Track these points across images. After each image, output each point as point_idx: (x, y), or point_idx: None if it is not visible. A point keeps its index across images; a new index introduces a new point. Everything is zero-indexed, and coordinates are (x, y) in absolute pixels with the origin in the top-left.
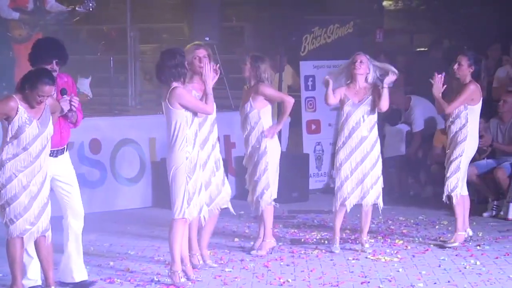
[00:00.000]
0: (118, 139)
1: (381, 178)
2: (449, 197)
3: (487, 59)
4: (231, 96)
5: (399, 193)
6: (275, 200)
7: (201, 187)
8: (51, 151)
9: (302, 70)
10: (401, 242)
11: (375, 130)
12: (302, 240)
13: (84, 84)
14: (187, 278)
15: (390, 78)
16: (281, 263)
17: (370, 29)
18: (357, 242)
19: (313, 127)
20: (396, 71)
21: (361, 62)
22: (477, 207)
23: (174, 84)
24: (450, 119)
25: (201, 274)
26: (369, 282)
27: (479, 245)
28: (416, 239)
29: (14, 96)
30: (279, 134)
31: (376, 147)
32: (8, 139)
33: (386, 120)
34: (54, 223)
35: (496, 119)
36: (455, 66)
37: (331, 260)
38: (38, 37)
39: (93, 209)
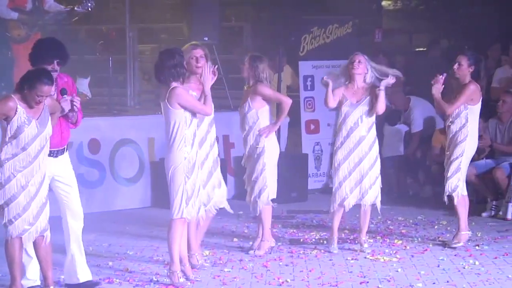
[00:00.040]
0: (117, 139)
1: (380, 178)
2: (450, 197)
3: (487, 59)
4: (230, 96)
5: (398, 193)
6: (274, 200)
7: (199, 187)
8: (51, 151)
9: (301, 70)
10: (400, 242)
11: (373, 130)
12: (301, 240)
13: (83, 84)
14: (186, 278)
15: (388, 81)
16: (280, 263)
17: (369, 29)
18: (356, 242)
19: (312, 127)
20: (397, 73)
21: (359, 62)
22: (476, 207)
23: (173, 84)
24: (450, 119)
25: (200, 274)
26: (368, 282)
27: (478, 245)
28: (415, 239)
29: (13, 96)
30: (278, 134)
31: (374, 147)
32: (7, 139)
33: (385, 120)
34: (54, 223)
35: (495, 119)
36: (455, 66)
37: (330, 260)
38: (37, 37)
39: (92, 209)
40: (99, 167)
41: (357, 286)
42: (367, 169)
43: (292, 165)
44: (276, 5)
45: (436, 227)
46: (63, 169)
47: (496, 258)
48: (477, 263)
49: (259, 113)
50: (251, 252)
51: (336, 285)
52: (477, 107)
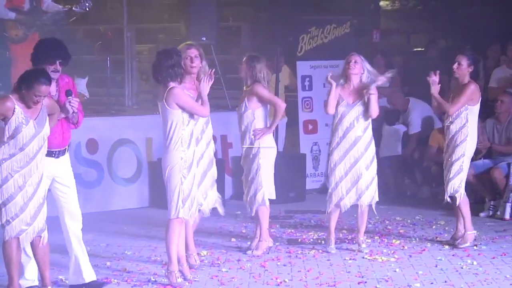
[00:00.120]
0: (115, 139)
1: (376, 179)
2: (451, 198)
3: (487, 59)
4: (228, 96)
5: (396, 193)
6: (272, 200)
7: (196, 187)
8: (53, 151)
9: (299, 70)
10: (398, 242)
11: (369, 131)
12: (299, 240)
13: (81, 84)
14: (184, 278)
15: (377, 83)
16: (278, 263)
17: (367, 29)
18: (354, 242)
19: (310, 127)
20: (388, 76)
21: (355, 62)
22: (474, 207)
23: (171, 84)
24: (450, 119)
25: (198, 274)
26: (366, 282)
27: (476, 245)
28: (413, 239)
29: (10, 96)
30: (276, 134)
31: (370, 148)
32: (5, 139)
33: (384, 120)
34: (52, 223)
35: (492, 119)
36: (455, 66)
37: (328, 260)
38: (35, 37)
39: (90, 209)
40: (97, 167)
41: (355, 286)
42: (363, 170)
43: (290, 165)
44: (274, 5)
45: (434, 227)
46: (63, 170)
47: (494, 258)
48: (475, 263)
49: (255, 113)
50: (249, 252)
51: (334, 285)
52: (477, 107)
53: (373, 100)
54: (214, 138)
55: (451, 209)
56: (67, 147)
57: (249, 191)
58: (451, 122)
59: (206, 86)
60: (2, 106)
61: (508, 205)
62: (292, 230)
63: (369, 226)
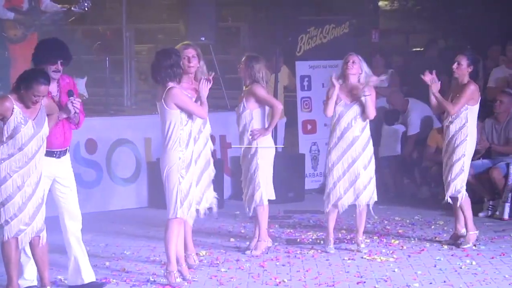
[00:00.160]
0: (113, 139)
1: (374, 179)
2: (452, 198)
3: (487, 59)
4: (226, 96)
5: (395, 193)
6: (271, 200)
7: (194, 186)
8: (54, 152)
9: (298, 70)
10: (397, 242)
11: (367, 130)
12: (298, 240)
13: (80, 84)
14: (182, 278)
15: (372, 82)
16: (277, 263)
17: (366, 29)
18: (353, 242)
19: (309, 127)
20: (376, 79)
21: (353, 62)
22: (473, 207)
23: (170, 84)
24: (449, 119)
25: (197, 274)
26: (364, 282)
27: (474, 245)
28: (412, 239)
29: (9, 96)
30: (275, 134)
31: (368, 148)
32: (3, 139)
33: (383, 120)
34: (52, 223)
35: (491, 119)
36: (454, 66)
37: (326, 260)
38: (34, 37)
39: (89, 209)
40: (96, 167)
41: (354, 286)
42: (361, 170)
43: (289, 165)
44: (273, 5)
45: (433, 227)
46: (64, 170)
47: (493, 258)
48: (474, 263)
49: (253, 114)
50: (248, 252)
51: (333, 285)
52: (476, 107)
53: (369, 102)
54: (213, 138)
55: (450, 209)
56: (68, 147)
57: (248, 191)
58: (451, 122)
59: (205, 88)
60: (0, 106)
61: (507, 205)
62: (291, 230)
63: (368, 226)
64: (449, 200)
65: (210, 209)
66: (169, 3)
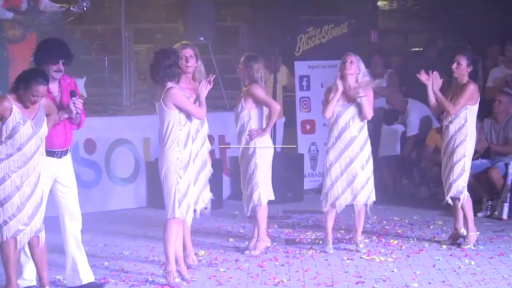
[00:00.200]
0: (112, 139)
1: (372, 179)
2: (452, 199)
3: (486, 59)
4: (225, 96)
5: (394, 193)
6: (270, 200)
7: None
8: (55, 152)
9: (297, 70)
10: (396, 242)
11: (365, 131)
12: (297, 240)
13: (79, 85)
14: (181, 278)
15: (363, 83)
16: (276, 263)
17: (365, 29)
18: (352, 242)
19: (308, 127)
20: (368, 79)
21: (351, 62)
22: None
23: (169, 84)
24: (449, 119)
25: (195, 274)
26: (363, 282)
27: (473, 245)
28: (411, 239)
29: (8, 96)
30: (274, 134)
31: (366, 148)
32: (2, 139)
33: (383, 119)
34: (51, 223)
35: (490, 119)
36: (454, 66)
37: (325, 260)
38: (32, 37)
39: (88, 209)
40: (94, 167)
41: (353, 286)
42: (358, 170)
43: (288, 165)
44: (272, 5)
45: (431, 227)
46: (65, 170)
47: (491, 258)
48: (472, 263)
49: (251, 114)
50: (247, 252)
51: (332, 285)
52: (476, 107)
53: (365, 103)
54: (212, 138)
55: (449, 209)
56: (69, 147)
57: (246, 191)
58: (450, 122)
59: (204, 89)
60: None
61: (506, 205)
62: (290, 230)
63: (367, 226)
64: (450, 201)
65: (205, 208)
66: (168, 3)
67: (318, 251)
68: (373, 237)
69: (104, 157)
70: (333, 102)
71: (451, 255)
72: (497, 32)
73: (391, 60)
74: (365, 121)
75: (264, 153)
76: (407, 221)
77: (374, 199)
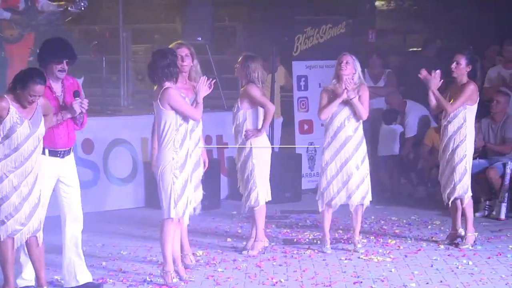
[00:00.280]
0: (110, 139)
1: (368, 178)
2: (449, 199)
3: (485, 60)
4: (223, 96)
5: (392, 193)
6: (268, 200)
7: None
8: (58, 151)
9: (295, 70)
10: (394, 242)
11: (360, 131)
12: (295, 240)
13: None
14: (179, 279)
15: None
16: (274, 263)
17: (363, 29)
18: (350, 242)
19: (306, 127)
20: (351, 81)
21: (347, 63)
22: None
23: (167, 84)
24: (448, 119)
25: (193, 274)
26: (361, 282)
27: (471, 245)
28: (409, 239)
29: (5, 96)
30: (271, 134)
31: (361, 148)
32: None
33: (382, 119)
34: (51, 223)
35: (487, 119)
36: (453, 65)
37: (323, 260)
38: (30, 37)
39: (86, 209)
40: (92, 167)
41: (351, 286)
42: (353, 169)
43: (286, 165)
44: (269, 5)
45: (429, 227)
46: (68, 170)
47: (489, 258)
48: (470, 263)
49: (247, 114)
50: (245, 252)
51: (330, 285)
52: (475, 107)
53: (357, 104)
54: (210, 138)
55: (447, 209)
56: (72, 147)
57: (244, 191)
58: (449, 122)
59: (203, 88)
60: None
61: (504, 205)
62: (288, 230)
63: (365, 226)
64: (449, 202)
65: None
66: (166, 3)
67: (316, 251)
68: (371, 237)
69: (102, 157)
70: (332, 106)
71: (449, 255)
72: (496, 32)
73: (389, 60)
74: (361, 121)
75: (260, 153)
76: (405, 221)
77: (370, 199)
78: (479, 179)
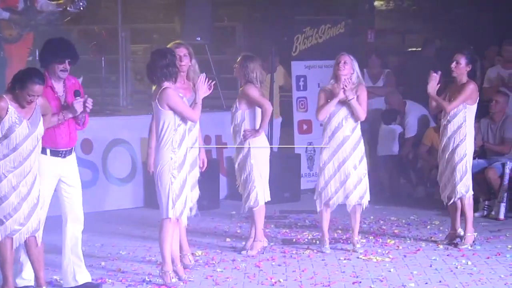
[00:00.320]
0: (109, 139)
1: (366, 178)
2: (449, 199)
3: (484, 60)
4: (222, 96)
5: (391, 193)
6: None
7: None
8: (59, 151)
9: (294, 70)
10: (393, 242)
11: (358, 131)
12: (294, 240)
13: None
14: (178, 279)
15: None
16: (273, 263)
17: (362, 29)
18: (349, 242)
19: (305, 127)
20: (345, 83)
21: (344, 63)
22: None
23: (166, 84)
24: (447, 118)
25: (192, 274)
26: (360, 282)
27: (470, 245)
28: (408, 239)
29: (4, 96)
30: (270, 134)
31: (359, 148)
32: None
33: (381, 119)
34: (52, 223)
35: (487, 119)
36: (453, 65)
37: (322, 260)
38: (29, 37)
39: (85, 209)
40: (91, 167)
41: (350, 286)
42: (351, 169)
43: (285, 165)
44: (269, 5)
45: (428, 227)
46: (69, 170)
47: (488, 258)
48: (469, 263)
49: (245, 114)
50: (244, 252)
51: (329, 285)
52: (474, 107)
53: (355, 105)
54: (209, 138)
55: (446, 209)
56: (73, 147)
57: (244, 191)
58: (449, 121)
59: (202, 87)
60: None
61: (503, 205)
62: (287, 230)
63: (364, 226)
64: (449, 202)
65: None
66: (165, 3)
67: (315, 251)
68: (370, 237)
69: (101, 157)
70: (330, 106)
71: (448, 255)
72: (495, 32)
73: (388, 60)
74: (359, 121)
75: (259, 153)
76: (404, 221)
77: (369, 199)
78: (478, 179)
